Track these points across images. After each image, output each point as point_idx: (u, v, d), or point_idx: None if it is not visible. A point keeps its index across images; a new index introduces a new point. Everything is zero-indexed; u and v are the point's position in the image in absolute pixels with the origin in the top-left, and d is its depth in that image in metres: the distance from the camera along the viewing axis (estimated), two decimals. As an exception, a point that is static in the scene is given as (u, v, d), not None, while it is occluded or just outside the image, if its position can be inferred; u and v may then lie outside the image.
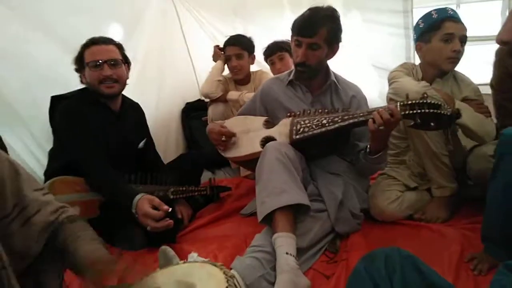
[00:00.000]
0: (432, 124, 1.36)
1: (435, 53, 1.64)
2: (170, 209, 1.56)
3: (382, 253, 0.98)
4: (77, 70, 1.78)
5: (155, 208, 1.53)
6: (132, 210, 1.54)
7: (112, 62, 1.72)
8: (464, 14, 2.63)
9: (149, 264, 1.49)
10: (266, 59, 2.50)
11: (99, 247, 0.92)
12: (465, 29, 1.60)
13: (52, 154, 1.83)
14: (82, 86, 1.82)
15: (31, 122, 1.94)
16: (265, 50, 2.49)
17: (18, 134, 1.90)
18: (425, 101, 1.35)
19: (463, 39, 1.60)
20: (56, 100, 1.75)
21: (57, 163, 1.74)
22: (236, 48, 2.48)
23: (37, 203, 0.92)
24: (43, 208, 0.92)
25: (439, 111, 1.34)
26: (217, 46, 2.66)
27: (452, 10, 1.65)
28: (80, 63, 1.74)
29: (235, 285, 0.81)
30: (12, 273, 0.81)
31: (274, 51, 2.43)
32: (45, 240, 0.91)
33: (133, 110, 1.99)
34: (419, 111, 1.35)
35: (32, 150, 1.95)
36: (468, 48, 2.55)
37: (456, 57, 1.61)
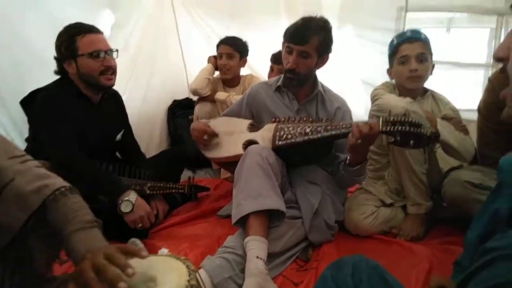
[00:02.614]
0: (411, 142, 1.38)
1: (397, 75, 1.75)
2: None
3: (349, 261, 0.98)
4: (62, 59, 1.66)
5: None
6: (118, 202, 1.56)
7: (111, 53, 1.70)
8: (454, 39, 2.72)
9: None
10: (270, 61, 2.55)
11: (92, 234, 0.86)
12: (421, 47, 1.67)
13: (29, 143, 1.78)
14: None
15: (13, 106, 1.86)
16: (273, 55, 2.52)
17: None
18: (407, 119, 1.38)
19: (421, 56, 1.67)
20: (33, 94, 1.66)
21: (33, 153, 1.69)
22: (229, 48, 2.51)
23: (10, 171, 0.86)
24: (18, 177, 0.86)
25: (419, 130, 1.36)
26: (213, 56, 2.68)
27: (413, 31, 1.73)
28: (70, 51, 1.63)
29: (197, 279, 0.79)
30: None
31: (278, 61, 2.45)
32: (29, 213, 0.85)
33: (112, 99, 1.92)
34: (400, 128, 1.37)
35: (10, 134, 1.89)
36: (455, 72, 2.63)
37: (415, 75, 1.68)
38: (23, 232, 0.86)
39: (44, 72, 1.80)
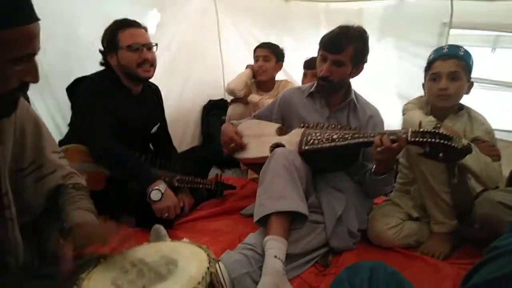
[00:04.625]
0: (440, 155, 1.36)
1: (428, 91, 1.70)
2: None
3: (367, 266, 0.98)
4: (105, 51, 1.79)
5: None
6: (149, 190, 1.63)
7: (149, 46, 1.79)
8: (500, 58, 2.61)
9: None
10: (303, 68, 2.57)
11: (91, 216, 0.95)
12: (455, 65, 1.60)
13: (70, 128, 1.90)
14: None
15: (60, 93, 2.00)
16: (305, 61, 2.56)
17: (45, 100, 1.98)
18: (437, 131, 1.36)
19: (453, 75, 1.60)
20: (77, 81, 1.80)
21: (73, 138, 1.80)
22: (265, 51, 2.58)
23: (53, 164, 0.96)
24: (57, 170, 0.97)
25: (449, 143, 1.33)
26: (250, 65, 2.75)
27: (451, 47, 1.67)
28: (112, 44, 1.75)
29: (216, 267, 0.82)
30: (17, 226, 0.85)
31: (311, 66, 2.48)
32: (49, 199, 0.95)
33: (152, 93, 2.02)
34: (429, 140, 1.36)
35: (55, 117, 2.04)
36: (499, 92, 2.52)
37: (443, 94, 1.62)
38: (44, 213, 0.96)
39: (90, 63, 1.93)
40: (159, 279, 0.77)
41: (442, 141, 1.33)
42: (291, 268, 1.42)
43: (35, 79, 0.78)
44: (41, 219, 0.97)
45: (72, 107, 1.84)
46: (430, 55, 1.72)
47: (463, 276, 1.36)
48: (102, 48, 1.80)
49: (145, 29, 1.81)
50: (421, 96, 1.81)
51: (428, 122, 1.50)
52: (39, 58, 0.82)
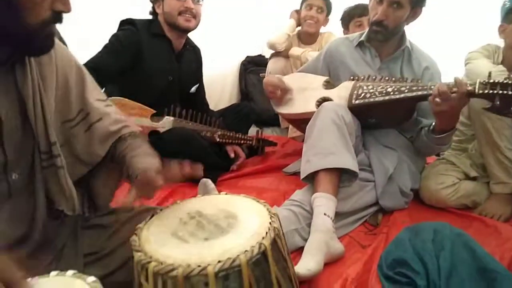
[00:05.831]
0: (512, 109, 1.23)
1: None
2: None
3: (430, 226, 0.92)
4: (154, 0, 1.83)
5: None
6: None
7: None
8: None
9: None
10: (342, 25, 2.43)
11: (155, 159, 0.91)
12: None
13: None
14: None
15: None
16: (342, 15, 2.41)
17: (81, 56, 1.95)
18: (509, 81, 1.21)
19: None
20: (124, 24, 1.79)
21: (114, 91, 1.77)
22: (322, 1, 2.44)
23: (98, 111, 0.93)
24: (104, 118, 0.93)
25: (524, 95, 1.19)
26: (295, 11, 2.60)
27: None
28: None
29: (278, 224, 0.77)
30: (67, 174, 0.83)
31: (352, 17, 2.35)
32: (107, 149, 0.93)
33: (193, 53, 2.01)
34: (500, 91, 1.22)
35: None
36: None
37: None
38: (97, 167, 0.94)
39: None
40: (220, 232, 0.72)
41: (516, 93, 1.20)
42: (340, 226, 1.37)
43: (67, 7, 0.72)
44: (93, 172, 0.95)
45: None
46: None
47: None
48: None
49: None
50: (488, 44, 1.63)
51: (498, 72, 1.34)
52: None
